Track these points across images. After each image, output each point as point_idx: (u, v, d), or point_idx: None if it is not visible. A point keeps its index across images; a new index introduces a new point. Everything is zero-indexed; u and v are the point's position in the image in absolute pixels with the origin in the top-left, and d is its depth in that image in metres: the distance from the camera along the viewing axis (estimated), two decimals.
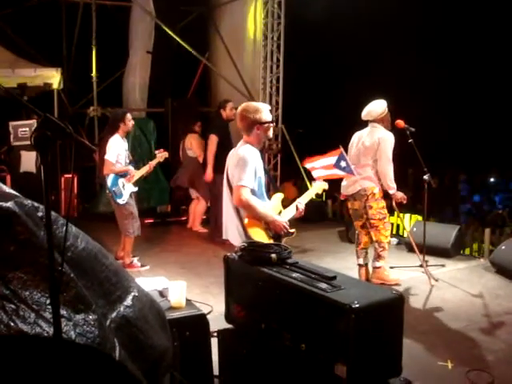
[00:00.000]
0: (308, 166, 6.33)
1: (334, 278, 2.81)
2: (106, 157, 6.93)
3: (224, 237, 4.49)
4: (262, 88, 11.51)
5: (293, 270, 3.00)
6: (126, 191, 6.98)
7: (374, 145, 6.45)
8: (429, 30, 15.04)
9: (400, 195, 6.60)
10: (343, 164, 6.10)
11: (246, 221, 4.21)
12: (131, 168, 7.10)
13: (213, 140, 8.53)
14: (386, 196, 6.76)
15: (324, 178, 6.38)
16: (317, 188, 4.94)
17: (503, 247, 7.42)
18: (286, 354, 2.92)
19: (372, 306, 2.57)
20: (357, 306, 2.48)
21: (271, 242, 4.17)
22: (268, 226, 4.26)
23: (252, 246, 3.22)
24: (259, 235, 4.19)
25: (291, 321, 2.87)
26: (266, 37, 11.51)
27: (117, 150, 6.95)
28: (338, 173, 6.19)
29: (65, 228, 2.24)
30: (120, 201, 6.93)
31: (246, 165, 4.17)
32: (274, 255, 3.09)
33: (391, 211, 7.45)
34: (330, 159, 6.21)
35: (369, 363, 2.61)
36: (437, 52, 15.76)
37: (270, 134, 4.51)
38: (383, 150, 6.43)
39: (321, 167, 6.26)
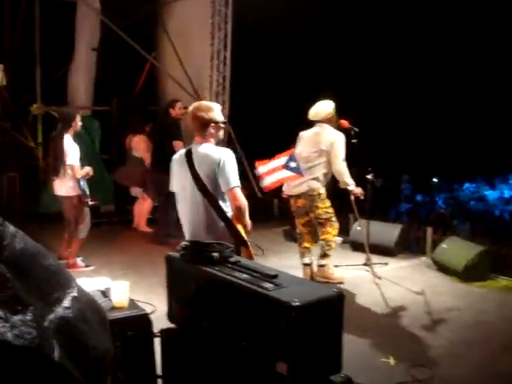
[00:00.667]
0: (259, 170, 6.37)
1: (276, 276, 2.83)
2: (72, 162, 6.82)
3: (189, 238, 4.36)
4: (208, 87, 11.48)
5: (235, 268, 3.01)
6: (88, 192, 6.94)
7: (327, 146, 6.51)
8: (376, 34, 15.24)
9: (358, 190, 6.72)
10: (293, 164, 6.16)
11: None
12: (89, 167, 7.05)
13: (179, 146, 8.27)
14: (337, 197, 6.87)
15: (273, 185, 6.44)
16: None
17: (444, 245, 7.59)
18: (228, 352, 2.92)
19: (312, 304, 2.60)
20: (297, 303, 2.51)
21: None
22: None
23: (194, 244, 3.22)
24: (242, 231, 4.14)
25: (233, 319, 2.88)
26: (213, 36, 11.49)
27: (76, 151, 6.88)
28: (286, 174, 6.24)
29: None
30: (90, 202, 6.90)
31: (232, 164, 4.13)
32: (216, 254, 3.09)
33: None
34: (281, 160, 6.27)
35: (310, 360, 2.64)
36: (381, 52, 15.96)
37: (221, 134, 4.50)
38: (338, 151, 6.50)
39: (271, 170, 6.31)
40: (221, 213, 4.14)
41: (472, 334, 5.46)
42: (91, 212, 7.26)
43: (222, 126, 4.44)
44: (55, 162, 6.98)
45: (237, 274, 2.93)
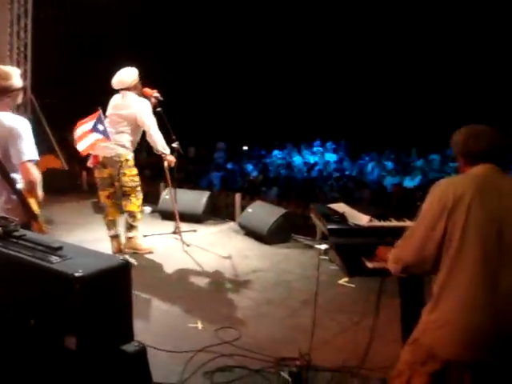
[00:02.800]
0: (76, 134, 6.21)
1: (60, 248, 2.72)
2: None
3: None
4: (8, 55, 10.79)
5: (19, 243, 2.84)
6: None
7: (132, 114, 6.36)
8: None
9: (172, 158, 6.72)
10: (101, 127, 6.10)
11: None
12: None
13: None
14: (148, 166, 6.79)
15: (87, 149, 6.25)
16: None
17: (250, 210, 7.82)
18: (15, 331, 2.78)
19: (97, 274, 2.51)
20: (81, 274, 2.42)
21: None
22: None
23: None
24: (34, 204, 3.97)
25: (19, 296, 2.74)
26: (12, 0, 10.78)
27: None
28: (96, 137, 6.13)
29: None
30: None
31: (26, 136, 3.87)
32: None
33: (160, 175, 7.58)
34: (89, 124, 6.16)
35: (99, 332, 2.56)
36: (189, 22, 16.03)
37: (20, 99, 4.22)
38: (147, 118, 6.38)
39: (83, 135, 6.18)
40: (12, 185, 3.93)
41: (275, 292, 5.73)
42: None
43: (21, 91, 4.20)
44: None
45: (21, 248, 2.77)
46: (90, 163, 6.61)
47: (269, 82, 16.95)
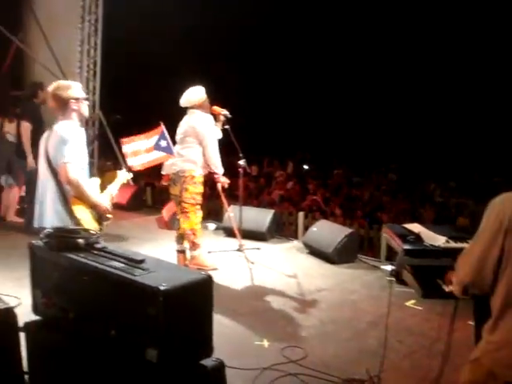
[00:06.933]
0: (126, 149, 6.22)
1: (143, 261, 2.75)
2: None
3: (36, 225, 4.27)
4: (78, 72, 11.08)
5: (101, 255, 2.89)
6: None
7: (193, 129, 6.45)
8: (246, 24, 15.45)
9: (223, 179, 6.74)
10: (163, 144, 6.09)
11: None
12: None
13: (26, 128, 8.15)
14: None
15: (145, 166, 6.32)
16: (122, 178, 4.78)
17: (314, 229, 7.79)
18: (96, 342, 2.82)
19: (180, 288, 2.54)
20: (165, 288, 2.44)
21: (97, 223, 4.23)
22: (92, 207, 4.22)
23: (58, 231, 3.07)
24: (85, 214, 4.16)
25: (100, 308, 2.78)
26: (84, 19, 11.09)
27: None
28: (157, 155, 6.17)
29: None
30: None
31: (68, 141, 4.09)
32: (81, 240, 2.97)
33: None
34: (151, 141, 6.18)
35: (180, 345, 2.58)
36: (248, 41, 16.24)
37: (86, 111, 4.43)
38: (207, 136, 6.45)
39: (139, 151, 6.20)
40: (63, 192, 4.14)
41: (340, 312, 5.67)
42: None
43: (86, 102, 4.42)
44: None
45: (103, 260, 2.82)
46: (163, 181, 6.74)
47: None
